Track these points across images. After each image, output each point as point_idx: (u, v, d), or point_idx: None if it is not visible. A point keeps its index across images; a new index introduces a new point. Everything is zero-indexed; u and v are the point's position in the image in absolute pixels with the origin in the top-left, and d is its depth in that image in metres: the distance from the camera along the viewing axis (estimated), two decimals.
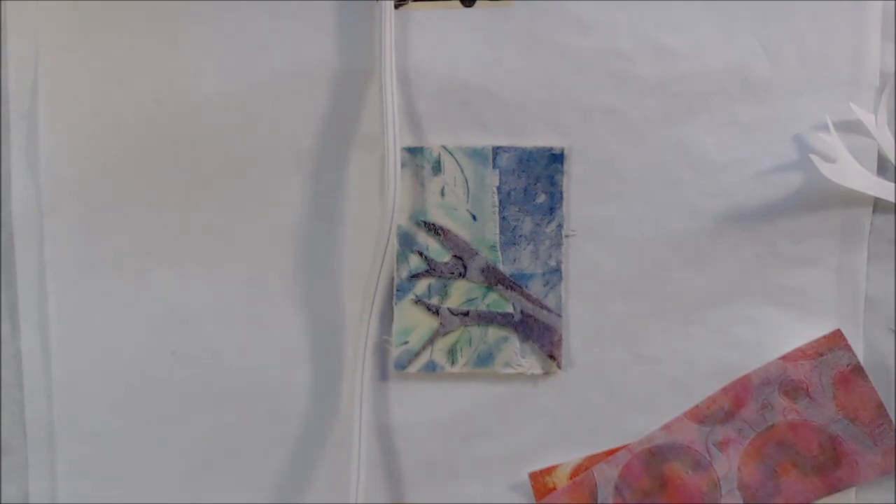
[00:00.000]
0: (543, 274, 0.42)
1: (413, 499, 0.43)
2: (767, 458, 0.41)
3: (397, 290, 0.43)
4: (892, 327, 0.41)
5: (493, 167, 0.42)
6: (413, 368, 0.43)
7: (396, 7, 0.41)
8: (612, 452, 0.42)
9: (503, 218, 0.42)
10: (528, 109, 0.42)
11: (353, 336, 0.42)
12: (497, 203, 0.42)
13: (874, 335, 0.41)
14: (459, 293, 0.42)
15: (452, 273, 0.42)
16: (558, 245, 0.42)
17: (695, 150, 0.41)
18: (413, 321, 0.43)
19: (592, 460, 0.42)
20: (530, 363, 0.42)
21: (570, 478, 0.42)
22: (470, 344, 0.42)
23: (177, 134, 0.43)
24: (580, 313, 0.42)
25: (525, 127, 0.42)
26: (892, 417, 0.41)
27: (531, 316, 0.42)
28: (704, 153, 0.41)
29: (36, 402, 0.44)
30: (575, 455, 0.42)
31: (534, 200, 0.42)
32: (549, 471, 0.42)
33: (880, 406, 0.41)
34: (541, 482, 0.42)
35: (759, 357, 0.41)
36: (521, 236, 0.42)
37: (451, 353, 0.42)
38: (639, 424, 0.42)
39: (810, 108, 0.41)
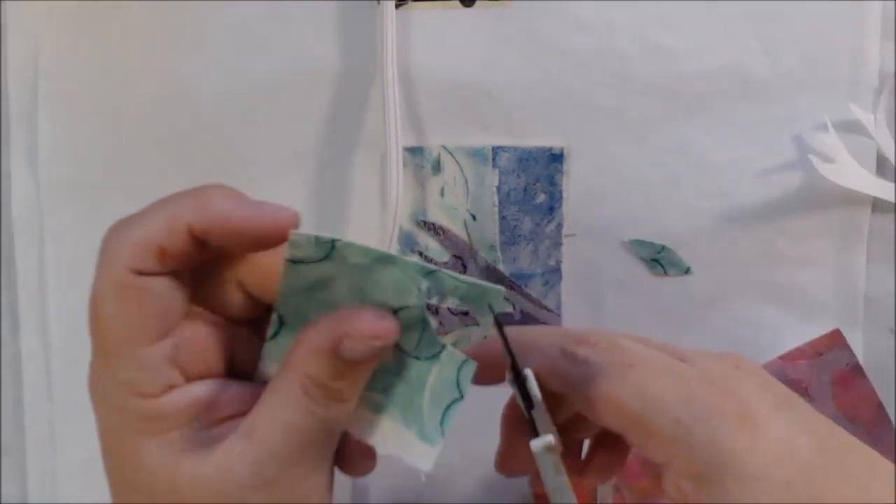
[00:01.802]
0: (543, 273, 0.42)
1: (413, 499, 0.43)
2: None
3: None
4: (892, 327, 0.41)
5: (493, 167, 0.42)
6: None
7: (396, 7, 0.41)
8: None
9: (503, 218, 0.42)
10: (528, 109, 0.42)
11: None
12: (497, 203, 0.42)
13: (873, 335, 0.41)
14: None
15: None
16: (558, 245, 0.42)
17: (695, 150, 0.41)
18: None
19: None
20: None
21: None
22: (470, 343, 0.42)
23: (177, 134, 0.43)
24: (580, 313, 0.42)
25: (525, 127, 0.42)
26: (892, 417, 0.41)
27: (531, 315, 0.42)
28: (704, 153, 0.41)
29: (36, 402, 0.44)
30: None
31: (533, 200, 0.42)
32: None
33: (880, 406, 0.41)
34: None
35: (759, 357, 0.41)
36: (520, 236, 0.42)
37: None
38: None
39: (810, 108, 0.41)
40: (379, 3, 0.40)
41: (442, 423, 0.27)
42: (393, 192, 0.40)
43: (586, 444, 0.32)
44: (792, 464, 0.25)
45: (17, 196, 0.44)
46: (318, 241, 0.25)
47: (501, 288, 0.26)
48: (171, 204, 0.26)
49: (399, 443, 0.28)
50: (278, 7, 0.42)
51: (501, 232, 0.42)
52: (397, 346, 0.27)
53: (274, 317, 0.27)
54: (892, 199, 0.40)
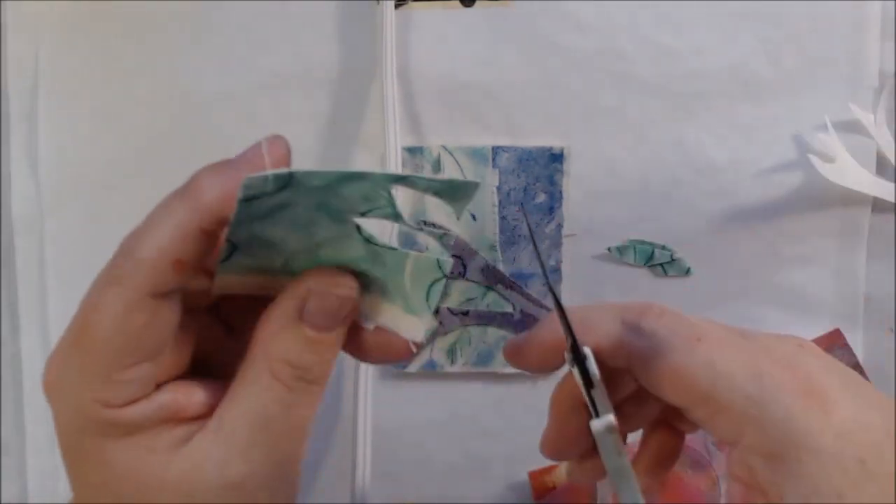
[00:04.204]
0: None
1: (413, 499, 0.43)
2: None
3: None
4: (892, 327, 0.41)
5: (493, 167, 0.42)
6: (413, 368, 0.43)
7: (396, 7, 0.41)
8: None
9: (503, 218, 0.42)
10: (528, 109, 0.42)
11: None
12: (497, 203, 0.42)
13: (873, 335, 0.42)
14: (459, 293, 0.43)
15: (452, 273, 0.42)
16: (558, 245, 0.42)
17: (695, 150, 0.41)
18: None
19: None
20: None
21: (570, 477, 0.42)
22: (470, 343, 0.42)
23: (177, 134, 0.43)
24: None
25: (525, 127, 0.42)
26: None
27: (531, 315, 0.42)
28: (704, 153, 0.41)
29: (36, 402, 0.44)
30: None
31: (533, 200, 0.42)
32: (548, 470, 0.42)
33: None
34: (540, 482, 0.42)
35: None
36: (520, 236, 0.42)
37: (451, 353, 0.42)
38: None
39: (810, 108, 0.41)
40: (379, 3, 0.40)
41: (427, 298, 0.28)
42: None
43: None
44: (864, 441, 0.25)
45: (17, 196, 0.44)
46: (276, 177, 0.24)
47: (477, 181, 0.26)
48: (172, 211, 0.25)
49: (387, 317, 0.28)
50: (278, 7, 0.42)
51: (501, 232, 0.42)
52: (370, 241, 0.27)
53: (225, 245, 0.26)
54: (892, 199, 0.40)
